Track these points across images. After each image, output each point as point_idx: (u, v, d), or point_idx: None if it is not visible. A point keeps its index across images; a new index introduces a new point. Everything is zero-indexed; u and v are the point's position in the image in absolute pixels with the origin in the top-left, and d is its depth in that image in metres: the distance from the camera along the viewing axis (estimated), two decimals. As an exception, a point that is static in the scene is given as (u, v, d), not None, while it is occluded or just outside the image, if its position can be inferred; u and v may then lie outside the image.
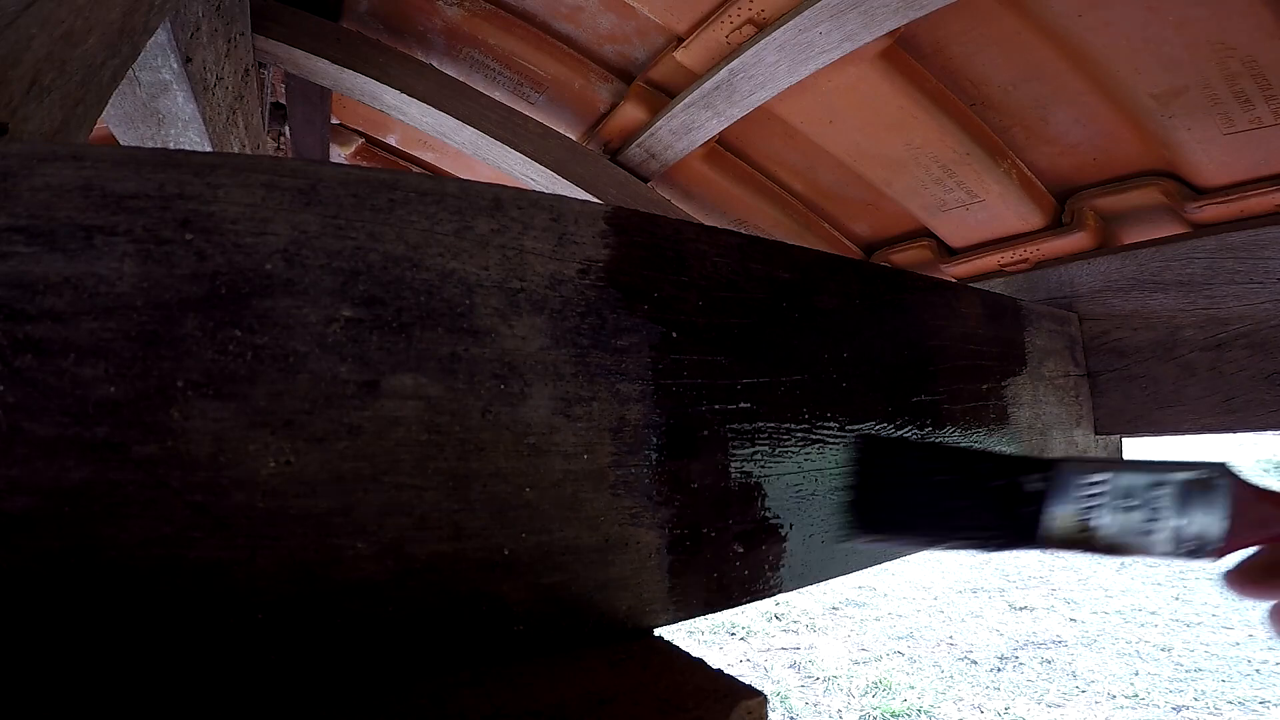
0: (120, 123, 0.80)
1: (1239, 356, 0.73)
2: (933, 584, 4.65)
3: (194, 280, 0.27)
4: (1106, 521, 0.31)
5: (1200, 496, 0.29)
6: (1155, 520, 0.30)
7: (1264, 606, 0.28)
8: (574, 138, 1.30)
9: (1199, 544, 0.29)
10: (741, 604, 0.42)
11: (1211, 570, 0.31)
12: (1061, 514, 0.31)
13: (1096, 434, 0.81)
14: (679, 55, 1.06)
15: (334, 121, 1.60)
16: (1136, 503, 0.30)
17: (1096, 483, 0.31)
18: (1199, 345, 0.76)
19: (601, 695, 0.29)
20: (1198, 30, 0.75)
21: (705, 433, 0.40)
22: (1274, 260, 0.72)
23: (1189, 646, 3.56)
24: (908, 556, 0.54)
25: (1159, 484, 0.30)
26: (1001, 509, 0.33)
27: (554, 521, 0.34)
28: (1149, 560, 0.31)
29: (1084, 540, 0.31)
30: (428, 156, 1.68)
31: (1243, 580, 0.28)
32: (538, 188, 1.18)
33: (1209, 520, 0.29)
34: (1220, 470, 0.30)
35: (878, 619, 4.14)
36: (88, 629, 0.25)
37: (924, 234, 1.24)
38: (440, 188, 0.33)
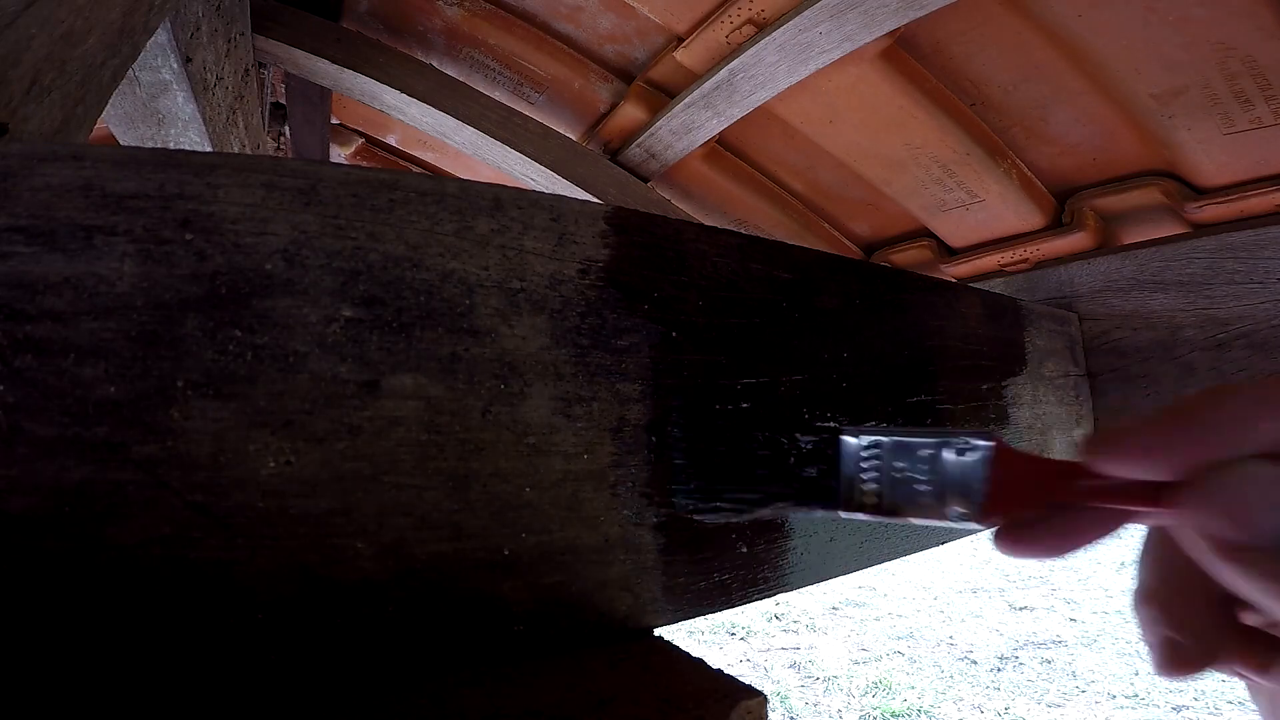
0: (120, 123, 0.80)
1: (1239, 356, 0.73)
2: (933, 584, 4.65)
3: (194, 280, 0.27)
4: (883, 486, 0.32)
5: (962, 465, 0.30)
6: (925, 486, 0.31)
7: (1029, 559, 0.30)
8: (574, 138, 1.30)
9: (963, 512, 0.30)
10: (742, 604, 0.42)
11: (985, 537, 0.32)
12: (845, 477, 0.33)
13: (1096, 434, 0.81)
14: (679, 55, 1.06)
15: (334, 121, 1.60)
16: (907, 468, 0.32)
17: (871, 447, 0.33)
18: (1199, 345, 0.76)
19: (601, 695, 0.29)
20: (1198, 30, 0.75)
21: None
22: (1274, 260, 0.72)
23: (1189, 646, 3.55)
24: (907, 557, 0.54)
25: (926, 450, 0.31)
26: (798, 476, 0.35)
27: (554, 521, 0.34)
28: (924, 524, 0.32)
29: (867, 504, 0.33)
30: (428, 156, 1.68)
31: (1004, 542, 0.29)
32: (538, 188, 1.18)
33: (969, 488, 0.30)
34: (982, 438, 0.30)
35: (878, 619, 4.14)
36: (88, 629, 0.25)
37: (924, 234, 1.24)
38: (440, 188, 0.33)
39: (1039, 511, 0.29)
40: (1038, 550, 0.29)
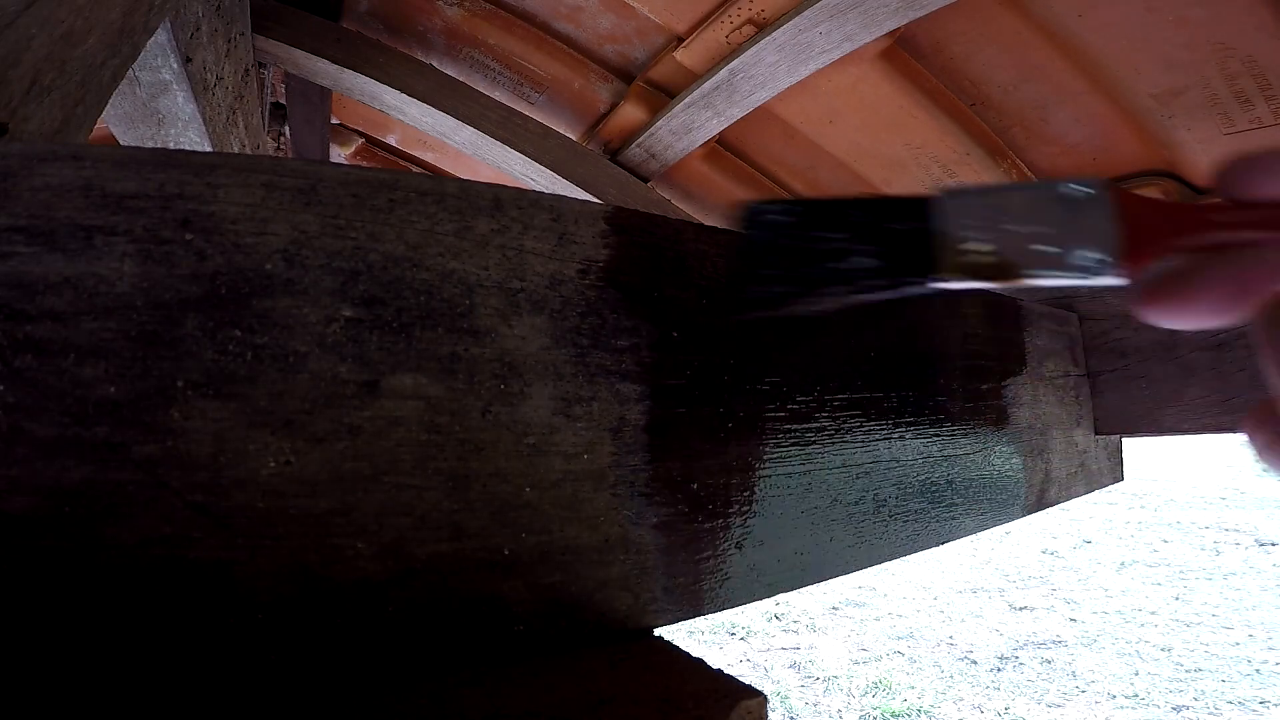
0: (120, 123, 0.80)
1: (1239, 357, 0.73)
2: (933, 584, 4.65)
3: (194, 280, 0.27)
4: (994, 245, 0.28)
5: (1084, 210, 0.27)
6: (1046, 238, 0.27)
7: (1184, 323, 0.25)
8: (574, 138, 1.30)
9: (1097, 259, 0.26)
10: (743, 604, 0.42)
11: (1123, 291, 0.28)
12: (948, 242, 0.29)
13: (1096, 434, 0.81)
14: (679, 55, 1.06)
15: (334, 121, 1.60)
16: (1021, 222, 0.28)
17: (976, 207, 0.29)
18: (1199, 345, 0.76)
19: (601, 695, 0.29)
20: (1197, 30, 0.75)
21: (706, 433, 0.40)
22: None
23: (1189, 646, 3.56)
24: (907, 557, 0.54)
25: (1041, 200, 0.28)
26: (887, 251, 0.30)
27: (554, 521, 0.34)
28: (1050, 286, 0.28)
29: (974, 267, 0.28)
30: (428, 156, 1.68)
31: (1156, 295, 0.25)
32: (538, 188, 1.18)
33: (1099, 233, 0.26)
34: (1099, 183, 0.27)
35: (878, 619, 4.14)
36: (88, 629, 0.25)
37: (924, 234, 1.23)
38: (440, 188, 0.33)
39: (1183, 255, 0.24)
40: (1195, 307, 0.24)
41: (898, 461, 0.52)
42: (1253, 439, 0.24)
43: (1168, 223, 0.26)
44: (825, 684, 3.37)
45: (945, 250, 0.29)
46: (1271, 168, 0.23)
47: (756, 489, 0.43)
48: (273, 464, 0.28)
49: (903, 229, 0.30)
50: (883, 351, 0.51)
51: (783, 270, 0.31)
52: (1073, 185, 0.27)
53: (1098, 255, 0.26)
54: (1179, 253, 0.25)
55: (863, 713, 3.10)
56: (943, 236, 0.29)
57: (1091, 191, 0.27)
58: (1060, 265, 0.27)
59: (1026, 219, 0.28)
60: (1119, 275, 0.27)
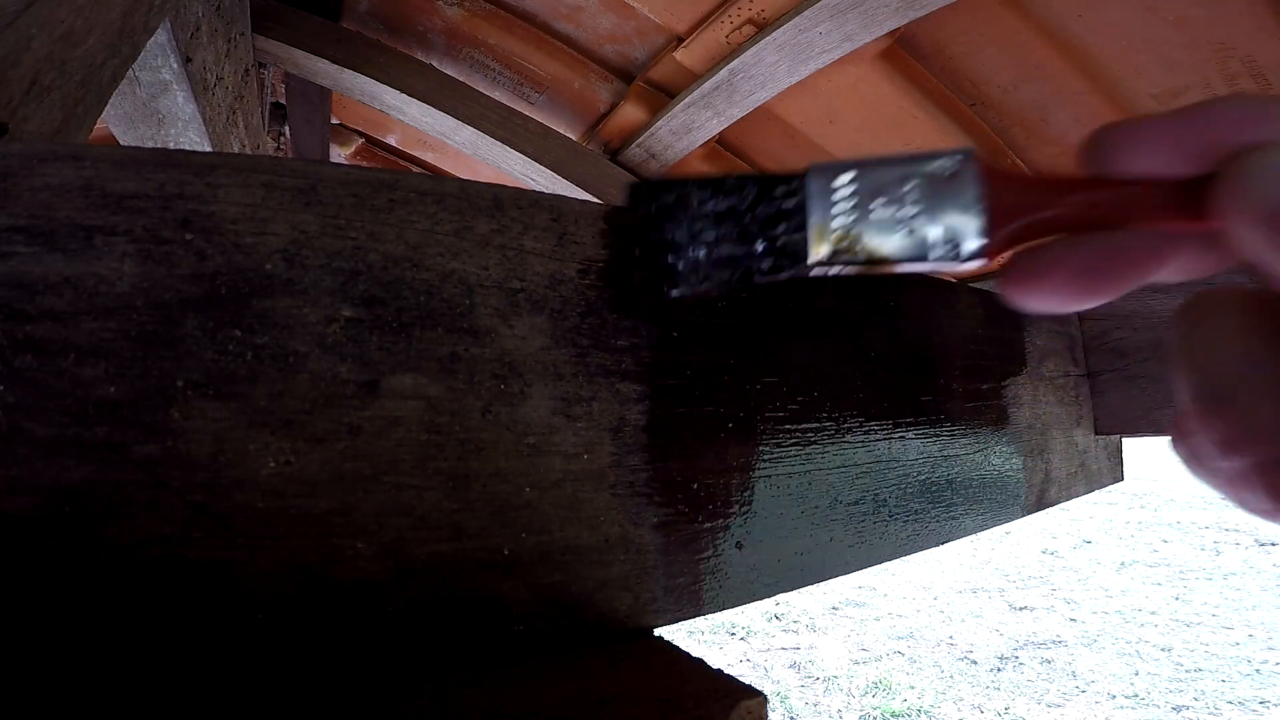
0: (120, 123, 0.80)
1: (1239, 356, 0.73)
2: (933, 584, 4.65)
3: (194, 280, 0.27)
4: (862, 226, 0.27)
5: (949, 187, 0.25)
6: (913, 219, 0.26)
7: (1041, 305, 0.24)
8: (574, 138, 1.30)
9: (960, 241, 0.25)
10: (743, 604, 0.42)
11: (989, 276, 0.27)
12: (818, 225, 0.28)
13: (1096, 434, 0.81)
14: (679, 55, 1.06)
15: (334, 121, 1.60)
16: (889, 202, 0.26)
17: (844, 185, 0.27)
18: (1199, 345, 0.76)
19: (601, 695, 0.29)
20: (1197, 30, 0.75)
21: (706, 433, 0.40)
22: (1274, 260, 0.72)
23: (1189, 646, 3.57)
24: (907, 557, 0.54)
25: (906, 178, 0.26)
26: (764, 232, 0.29)
27: (554, 521, 0.34)
28: (919, 269, 0.26)
29: (847, 251, 0.27)
30: (428, 156, 1.68)
31: (1016, 282, 0.23)
32: (538, 188, 1.18)
33: (963, 211, 0.25)
34: (962, 155, 0.25)
35: (878, 619, 4.14)
36: (88, 629, 0.25)
37: (924, 234, 1.23)
38: (440, 188, 0.33)
39: (1050, 237, 0.23)
40: (1057, 290, 0.23)
41: (898, 461, 0.52)
42: (1176, 451, 0.23)
43: (1035, 196, 0.24)
44: (825, 684, 3.37)
45: (815, 232, 0.28)
46: (1133, 138, 0.21)
47: (756, 489, 0.43)
48: (273, 464, 0.28)
49: (781, 209, 0.29)
50: (883, 351, 0.51)
51: (667, 253, 0.31)
52: (939, 159, 0.26)
53: (962, 239, 0.25)
54: (1039, 230, 0.24)
55: (863, 713, 3.10)
56: (813, 218, 0.28)
57: (955, 160, 0.25)
58: (925, 252, 0.26)
59: (892, 198, 0.26)
60: (983, 258, 0.25)
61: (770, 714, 0.44)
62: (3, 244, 0.25)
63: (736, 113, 1.06)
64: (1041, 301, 0.24)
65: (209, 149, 0.86)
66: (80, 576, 0.25)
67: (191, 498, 0.27)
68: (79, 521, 0.25)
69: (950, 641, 3.78)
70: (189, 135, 0.83)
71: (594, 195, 1.14)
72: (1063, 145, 0.98)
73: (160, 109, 0.78)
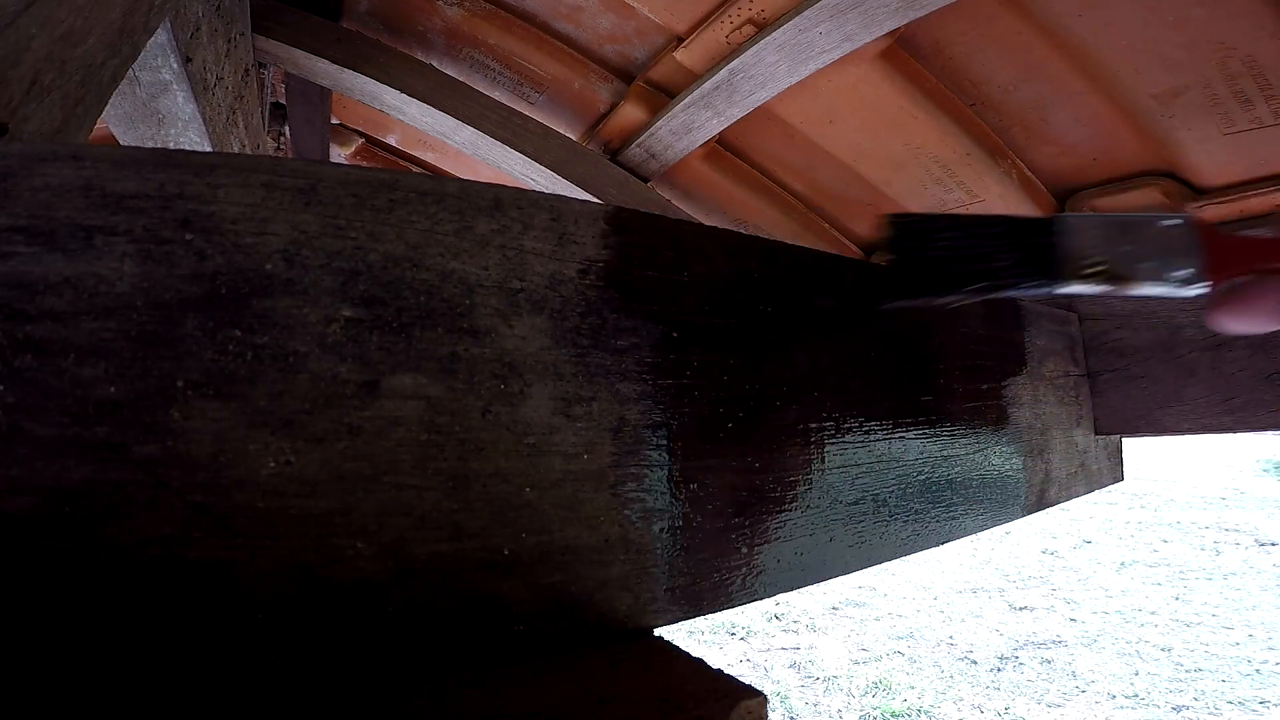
0: (120, 123, 0.80)
1: (1239, 356, 0.73)
2: (933, 584, 4.65)
3: (194, 280, 0.27)
4: (1108, 259, 0.37)
5: (1174, 236, 0.36)
6: (1147, 255, 0.37)
7: (1244, 328, 0.35)
8: (574, 138, 1.30)
9: (1188, 274, 0.36)
10: (743, 604, 0.42)
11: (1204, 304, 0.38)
12: (1070, 251, 0.38)
13: (1096, 434, 0.81)
14: (679, 55, 1.06)
15: (334, 121, 1.60)
16: (1129, 240, 0.37)
17: (1091, 229, 0.38)
18: (1199, 345, 0.76)
19: (601, 695, 0.29)
20: (1198, 30, 0.75)
21: (706, 433, 0.40)
22: (1274, 260, 0.72)
23: (1189, 646, 3.57)
24: (907, 557, 0.54)
25: (1144, 226, 0.37)
26: (1023, 258, 0.39)
27: (554, 521, 0.34)
28: (1150, 294, 0.38)
29: (1091, 276, 0.37)
30: (428, 156, 1.68)
31: (1223, 309, 0.33)
32: (538, 188, 1.18)
33: (1188, 254, 0.36)
34: (1184, 217, 0.37)
35: (878, 619, 4.14)
36: (88, 629, 0.25)
37: (924, 234, 1.23)
38: (440, 188, 0.33)
39: (1252, 275, 0.33)
40: (1260, 314, 0.32)
41: (898, 461, 0.52)
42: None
43: (1240, 250, 0.34)
44: (825, 684, 3.37)
45: (1069, 261, 0.38)
46: None
47: (756, 489, 0.43)
48: (273, 464, 0.28)
49: (1036, 242, 0.39)
50: (883, 351, 0.51)
51: (931, 268, 0.41)
52: (1165, 219, 0.37)
53: (1188, 271, 0.36)
54: (1248, 273, 0.34)
55: (863, 713, 3.10)
56: (1067, 250, 0.38)
57: (1179, 223, 0.37)
58: (1159, 277, 0.36)
59: (1131, 241, 0.37)
60: (1203, 286, 0.36)
61: (770, 714, 0.44)
62: (3, 244, 0.25)
63: (736, 113, 1.05)
64: (1243, 325, 0.34)
65: (209, 149, 0.85)
66: (80, 576, 0.25)
67: (191, 498, 0.27)
68: (79, 521, 0.25)
69: (950, 641, 3.77)
70: (189, 135, 0.83)
71: (594, 195, 1.14)
72: (1063, 145, 0.98)
73: (160, 109, 0.78)
